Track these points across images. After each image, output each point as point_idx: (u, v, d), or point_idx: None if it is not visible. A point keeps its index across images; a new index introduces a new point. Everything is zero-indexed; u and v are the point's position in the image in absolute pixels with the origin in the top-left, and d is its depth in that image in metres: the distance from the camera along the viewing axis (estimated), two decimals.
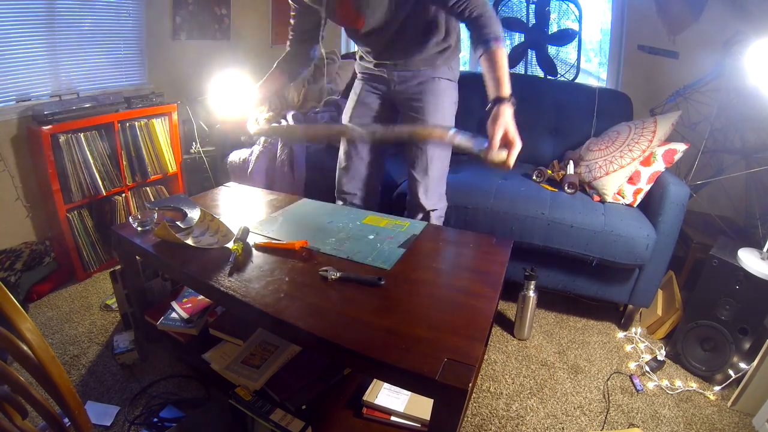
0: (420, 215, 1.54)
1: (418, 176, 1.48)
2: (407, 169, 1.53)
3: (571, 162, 1.95)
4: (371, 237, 1.33)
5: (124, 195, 2.20)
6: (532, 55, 2.42)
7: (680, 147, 1.70)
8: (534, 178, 1.92)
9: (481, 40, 1.09)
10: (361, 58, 1.54)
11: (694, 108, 2.13)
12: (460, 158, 1.97)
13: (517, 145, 1.00)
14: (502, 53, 1.06)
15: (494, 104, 1.03)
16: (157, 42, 2.50)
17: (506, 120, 1.00)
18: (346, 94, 2.51)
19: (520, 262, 1.72)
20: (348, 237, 1.33)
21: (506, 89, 1.04)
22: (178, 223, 1.37)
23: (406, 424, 1.13)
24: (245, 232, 1.28)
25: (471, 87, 2.33)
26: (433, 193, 1.52)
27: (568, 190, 1.81)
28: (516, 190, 1.78)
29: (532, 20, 2.35)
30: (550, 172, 1.90)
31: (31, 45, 1.96)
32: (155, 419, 1.27)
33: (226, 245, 1.24)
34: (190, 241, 1.25)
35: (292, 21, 1.39)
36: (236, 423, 1.16)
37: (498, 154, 1.01)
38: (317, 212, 1.52)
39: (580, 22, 2.29)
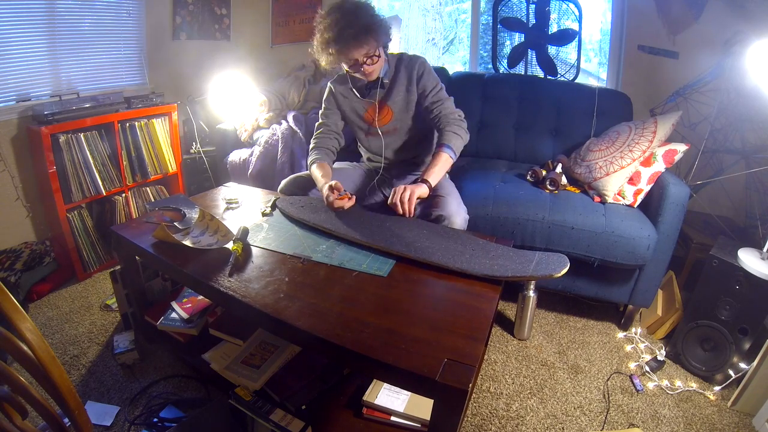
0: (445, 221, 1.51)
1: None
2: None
3: (560, 164, 1.95)
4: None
5: (124, 195, 2.20)
6: (532, 55, 2.42)
7: (681, 147, 1.70)
8: (528, 178, 1.92)
9: (438, 142, 1.54)
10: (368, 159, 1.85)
11: (694, 108, 2.12)
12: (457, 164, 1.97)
13: (403, 207, 1.38)
14: (443, 157, 1.48)
15: (419, 180, 1.45)
16: (157, 42, 2.50)
17: (413, 191, 1.38)
18: None
19: None
20: (338, 243, 1.29)
21: (430, 177, 1.44)
22: (176, 223, 1.37)
23: (406, 424, 1.13)
24: (245, 232, 1.28)
25: (471, 87, 2.36)
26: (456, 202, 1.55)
27: (549, 187, 1.81)
28: (515, 194, 1.78)
29: (532, 20, 2.35)
30: (545, 172, 1.90)
31: (31, 45, 1.96)
32: (155, 419, 1.27)
33: (225, 245, 1.24)
34: (188, 242, 1.25)
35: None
36: (236, 423, 1.16)
37: (393, 203, 1.38)
38: None
39: (580, 22, 2.29)
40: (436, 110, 1.56)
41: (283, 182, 1.71)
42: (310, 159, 1.66)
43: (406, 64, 1.60)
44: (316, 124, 1.73)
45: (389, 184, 1.76)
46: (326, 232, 1.34)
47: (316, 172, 1.58)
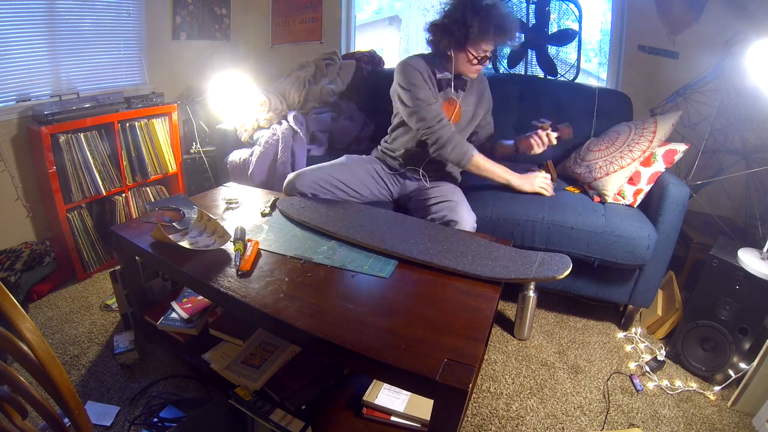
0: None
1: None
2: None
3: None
4: None
5: (124, 195, 2.20)
6: (532, 55, 2.41)
7: (680, 147, 1.70)
8: None
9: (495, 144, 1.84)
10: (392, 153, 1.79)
11: (694, 108, 2.12)
12: None
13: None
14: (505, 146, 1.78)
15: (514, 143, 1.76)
16: (157, 42, 2.50)
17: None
18: (346, 95, 2.52)
19: None
20: (340, 244, 1.29)
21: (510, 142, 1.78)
22: (174, 224, 1.37)
23: (406, 424, 1.13)
24: (242, 232, 1.27)
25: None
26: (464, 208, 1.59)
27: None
28: (514, 194, 1.78)
29: (532, 20, 2.35)
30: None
31: (31, 45, 1.96)
32: (155, 419, 1.27)
33: (223, 246, 1.24)
34: (185, 243, 1.25)
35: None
36: (236, 423, 1.16)
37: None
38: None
39: (580, 22, 2.29)
40: (489, 128, 1.85)
41: (290, 176, 1.64)
42: (463, 149, 1.58)
43: (479, 78, 1.71)
44: (429, 107, 1.55)
45: (408, 177, 1.78)
46: (327, 234, 1.34)
47: (489, 165, 1.65)
